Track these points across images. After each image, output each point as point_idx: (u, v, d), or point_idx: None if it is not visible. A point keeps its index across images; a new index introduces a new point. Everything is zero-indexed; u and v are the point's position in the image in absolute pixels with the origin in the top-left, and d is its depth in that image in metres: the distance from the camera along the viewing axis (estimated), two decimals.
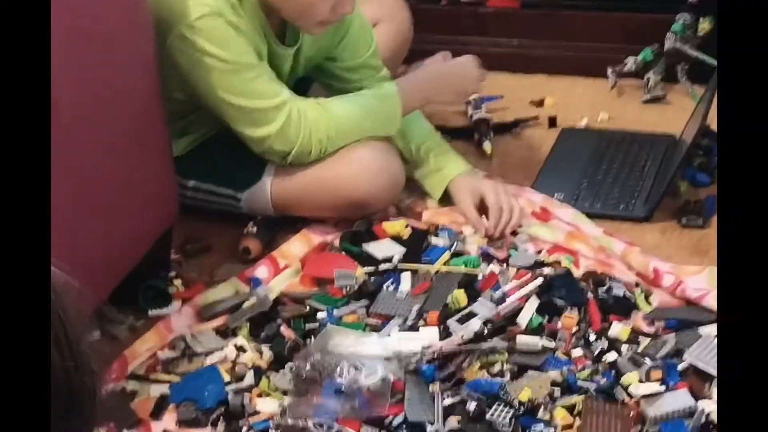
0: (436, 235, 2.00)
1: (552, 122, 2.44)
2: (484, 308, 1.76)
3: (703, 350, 1.64)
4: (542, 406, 1.56)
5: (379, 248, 1.96)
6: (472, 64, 2.17)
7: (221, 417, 1.60)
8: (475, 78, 2.17)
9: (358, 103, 2.02)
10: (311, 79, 2.19)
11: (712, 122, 2.22)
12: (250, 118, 1.94)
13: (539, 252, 1.94)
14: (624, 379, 1.61)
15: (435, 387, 1.61)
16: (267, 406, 1.62)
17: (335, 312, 1.80)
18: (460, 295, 1.80)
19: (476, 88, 2.24)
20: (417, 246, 1.97)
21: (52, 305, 0.76)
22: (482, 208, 2.02)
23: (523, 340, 1.69)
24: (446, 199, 2.08)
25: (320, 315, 1.80)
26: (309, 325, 1.78)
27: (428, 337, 1.70)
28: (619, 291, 1.80)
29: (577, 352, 1.68)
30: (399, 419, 1.56)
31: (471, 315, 1.75)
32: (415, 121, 2.12)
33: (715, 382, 1.59)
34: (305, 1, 1.89)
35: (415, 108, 2.11)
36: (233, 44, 1.88)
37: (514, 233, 2.01)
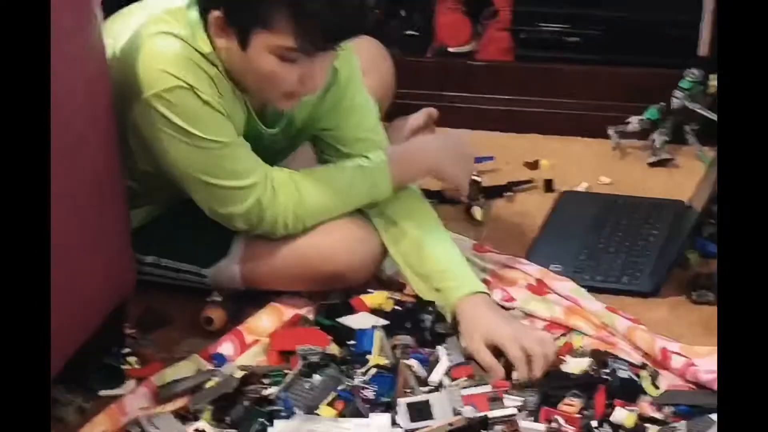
0: (428, 312, 1.98)
1: (548, 186, 2.48)
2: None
3: None
4: None
5: (357, 321, 1.97)
6: (468, 139, 2.18)
7: None
8: (471, 151, 2.17)
9: (336, 180, 2.03)
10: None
11: None
12: (216, 195, 1.96)
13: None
14: None
15: None
16: None
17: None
18: None
19: (472, 161, 2.21)
20: (402, 320, 1.97)
21: None
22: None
23: (526, 426, 1.70)
24: None
25: (267, 392, 1.79)
26: (272, 407, 1.77)
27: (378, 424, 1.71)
28: (623, 373, 1.82)
29: None
30: None
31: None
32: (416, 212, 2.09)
33: None
34: (265, 71, 1.87)
35: (416, 176, 2.12)
36: (204, 120, 1.90)
37: (505, 309, 2.01)
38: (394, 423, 1.72)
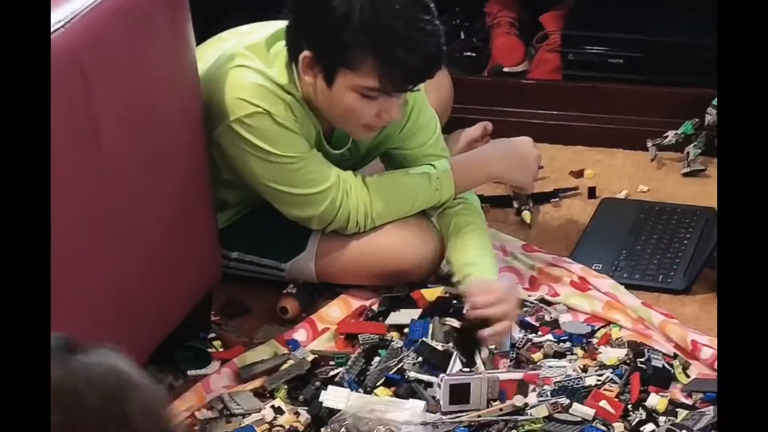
0: None
1: (591, 193, 2.45)
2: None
3: None
4: None
5: (401, 316, 1.98)
6: (530, 143, 2.16)
7: None
8: (535, 157, 2.15)
9: (404, 187, 2.04)
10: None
11: None
12: (294, 201, 1.98)
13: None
14: None
15: None
16: None
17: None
18: None
19: (537, 167, 2.19)
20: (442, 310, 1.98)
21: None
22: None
23: (578, 410, 1.70)
24: None
25: (334, 372, 1.83)
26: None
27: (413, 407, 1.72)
28: (657, 362, 1.82)
29: (616, 424, 1.70)
30: None
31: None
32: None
33: None
34: (347, 105, 1.88)
35: (477, 183, 2.14)
36: (282, 140, 1.91)
37: (550, 303, 2.02)
38: (429, 409, 1.72)
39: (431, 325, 1.91)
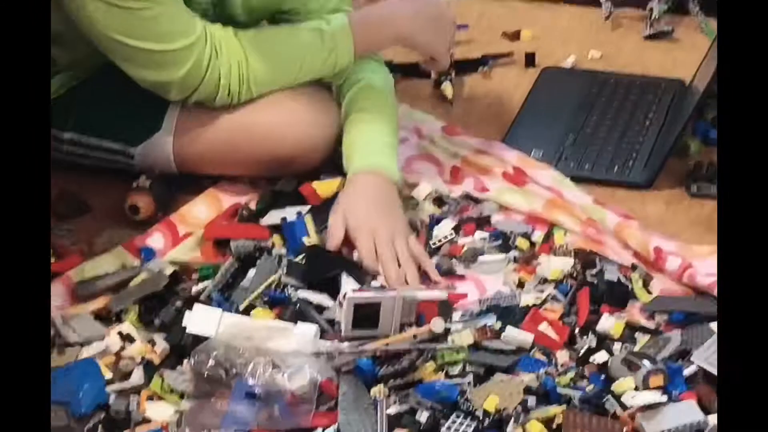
0: None
1: (530, 60, 2.47)
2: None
3: (715, 351, 1.64)
4: (512, 419, 1.57)
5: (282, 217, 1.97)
6: (444, 2, 2.15)
7: (100, 426, 1.60)
8: (451, 19, 2.14)
9: (289, 45, 2.02)
10: None
11: None
12: (148, 61, 1.94)
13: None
14: (616, 386, 1.63)
15: (377, 390, 1.61)
16: (159, 412, 1.62)
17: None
18: None
19: (453, 33, 2.18)
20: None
21: None
22: None
23: (512, 335, 1.71)
24: None
25: (197, 288, 1.82)
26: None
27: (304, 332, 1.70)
28: (611, 275, 1.84)
29: (559, 352, 1.71)
30: None
31: None
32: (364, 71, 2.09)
33: None
34: None
35: (381, 45, 2.13)
36: None
37: (477, 200, 2.03)
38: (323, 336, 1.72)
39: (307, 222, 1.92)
